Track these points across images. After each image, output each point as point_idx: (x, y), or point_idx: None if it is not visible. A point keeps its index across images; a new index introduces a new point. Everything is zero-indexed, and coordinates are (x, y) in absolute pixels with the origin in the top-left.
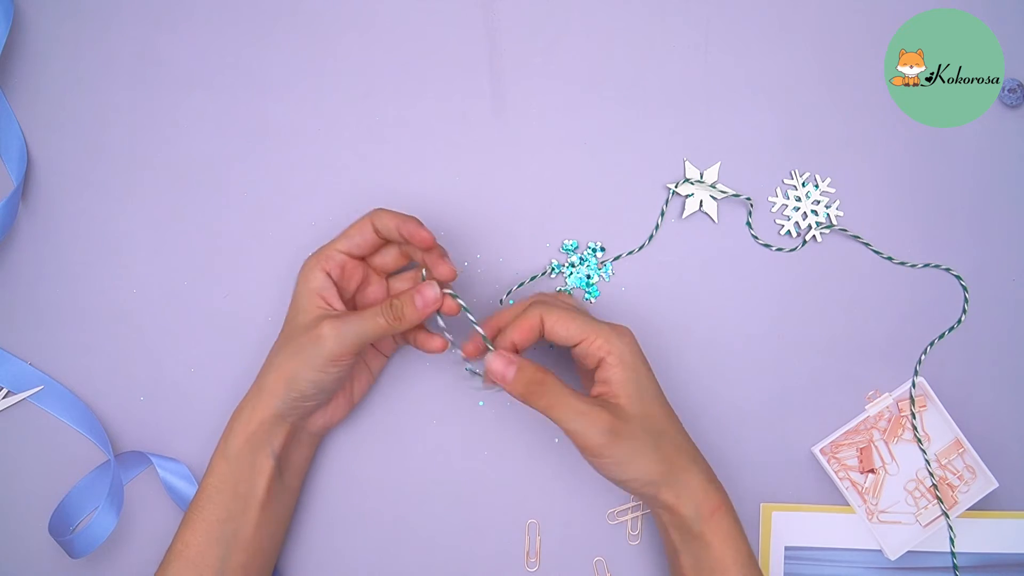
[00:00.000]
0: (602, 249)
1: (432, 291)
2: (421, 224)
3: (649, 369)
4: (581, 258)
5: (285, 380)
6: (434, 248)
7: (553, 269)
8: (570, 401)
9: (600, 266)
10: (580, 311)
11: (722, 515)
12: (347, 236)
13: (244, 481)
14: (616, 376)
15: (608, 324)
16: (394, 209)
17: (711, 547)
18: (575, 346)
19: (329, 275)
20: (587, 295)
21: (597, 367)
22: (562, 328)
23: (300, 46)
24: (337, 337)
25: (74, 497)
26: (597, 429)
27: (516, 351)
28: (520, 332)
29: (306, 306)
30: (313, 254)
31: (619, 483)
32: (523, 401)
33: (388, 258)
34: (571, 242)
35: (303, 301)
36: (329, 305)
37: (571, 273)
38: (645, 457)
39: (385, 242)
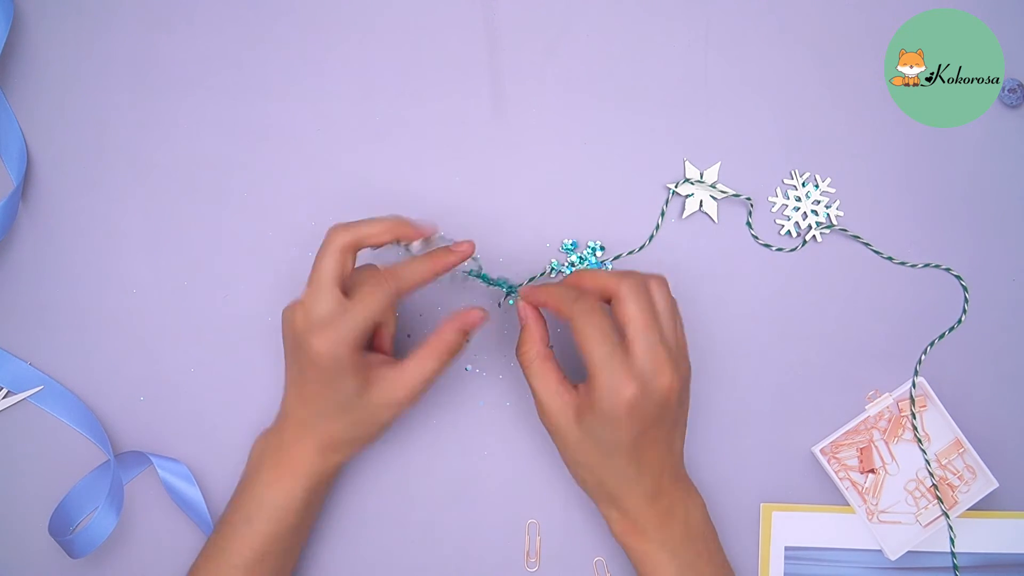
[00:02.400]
0: (601, 248)
1: (479, 316)
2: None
3: (622, 431)
4: (580, 257)
5: (339, 443)
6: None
7: (553, 269)
8: (549, 378)
9: (600, 265)
10: (597, 340)
11: (639, 539)
12: (368, 312)
13: (308, 523)
14: (585, 407)
15: (617, 370)
16: (392, 212)
17: (635, 565)
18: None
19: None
20: None
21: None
22: (580, 340)
23: (300, 46)
24: (404, 391)
25: (74, 497)
26: (563, 405)
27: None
28: (551, 303)
29: (352, 373)
30: (327, 326)
31: (574, 475)
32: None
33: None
34: (570, 242)
35: (348, 372)
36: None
37: (571, 272)
38: (575, 470)
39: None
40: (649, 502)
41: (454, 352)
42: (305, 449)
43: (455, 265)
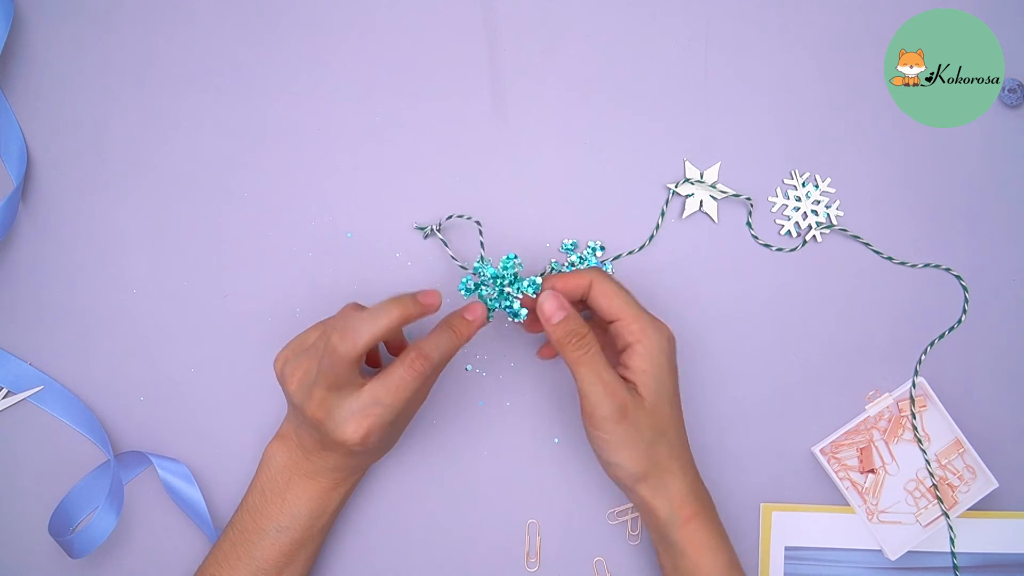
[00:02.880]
0: (602, 248)
1: (479, 307)
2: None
3: (674, 372)
4: (581, 257)
5: (371, 460)
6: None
7: (552, 268)
8: (599, 365)
9: (600, 265)
10: (629, 293)
11: (699, 524)
12: (399, 390)
13: (323, 526)
14: (638, 365)
15: (650, 315)
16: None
17: (686, 554)
18: (612, 322)
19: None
20: None
21: (624, 350)
22: (605, 299)
23: (300, 46)
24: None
25: (74, 497)
26: (610, 402)
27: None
28: (567, 284)
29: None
30: (348, 400)
31: (604, 464)
32: (557, 347)
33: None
34: (570, 242)
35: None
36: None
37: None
38: (637, 448)
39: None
40: (696, 475)
41: (439, 361)
42: (337, 467)
43: (475, 332)
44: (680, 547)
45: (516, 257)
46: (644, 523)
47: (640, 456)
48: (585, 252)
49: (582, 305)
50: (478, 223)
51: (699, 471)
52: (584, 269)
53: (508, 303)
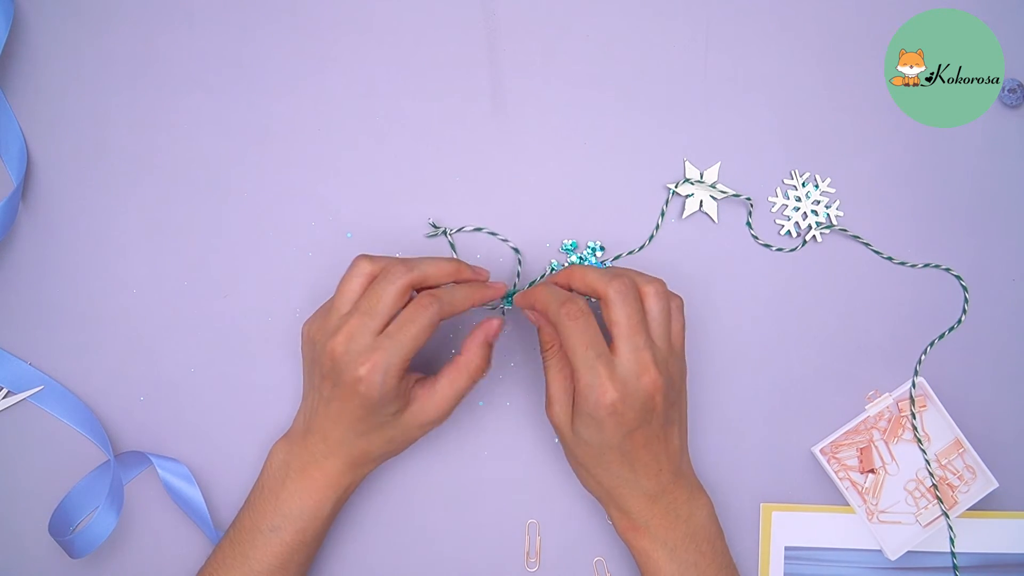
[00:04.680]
0: (601, 248)
1: (499, 325)
2: (466, 265)
3: (606, 431)
4: (580, 258)
5: (370, 459)
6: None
7: (552, 269)
8: (553, 379)
9: (600, 265)
10: (623, 329)
11: (640, 535)
12: (414, 340)
13: (316, 531)
14: (574, 410)
15: (604, 371)
16: (376, 252)
17: (635, 560)
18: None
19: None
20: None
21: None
22: (563, 343)
23: (300, 46)
24: (438, 411)
25: (74, 497)
26: (554, 417)
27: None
28: (538, 305)
29: (393, 399)
30: (373, 351)
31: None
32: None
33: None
34: (570, 242)
35: (389, 398)
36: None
37: (562, 270)
38: (575, 468)
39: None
40: (649, 501)
41: (482, 368)
42: (336, 464)
43: (492, 299)
44: (631, 551)
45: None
46: None
47: (578, 471)
48: (585, 252)
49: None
50: (513, 246)
51: (699, 471)
52: (562, 303)
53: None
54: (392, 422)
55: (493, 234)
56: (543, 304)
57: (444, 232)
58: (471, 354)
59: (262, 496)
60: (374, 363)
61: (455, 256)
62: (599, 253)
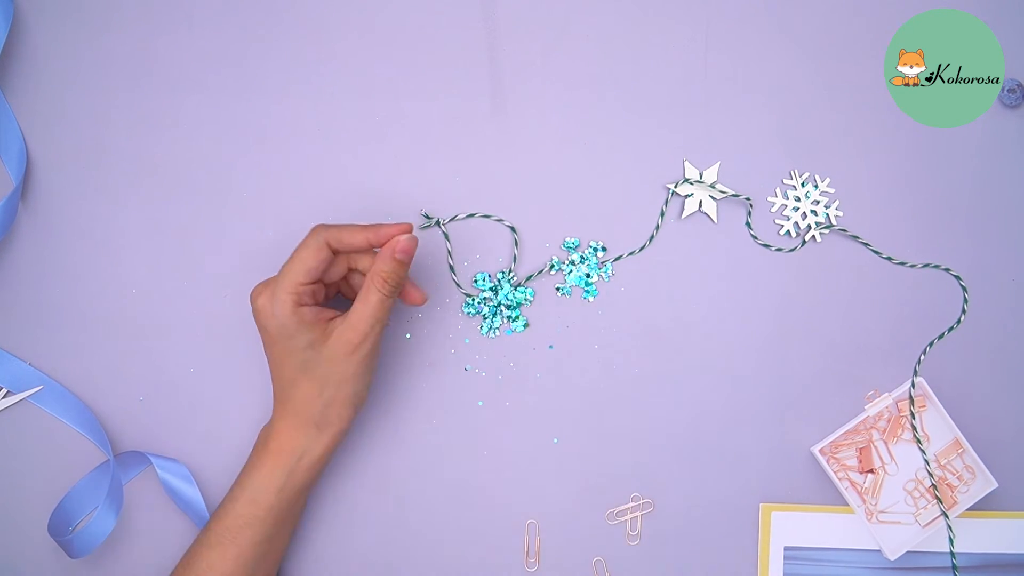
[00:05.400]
0: (603, 249)
1: (406, 240)
2: (380, 227)
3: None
4: (582, 257)
5: (314, 412)
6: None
7: (553, 266)
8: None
9: (600, 266)
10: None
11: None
12: (299, 262)
13: (291, 510)
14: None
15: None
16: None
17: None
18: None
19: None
20: (585, 293)
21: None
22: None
23: (300, 46)
24: (354, 332)
25: (74, 497)
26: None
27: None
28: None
29: (296, 329)
30: (267, 285)
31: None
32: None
33: (335, 273)
34: (573, 240)
35: (292, 329)
36: (317, 319)
37: (570, 271)
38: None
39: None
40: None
41: (393, 281)
42: (288, 428)
43: (388, 235)
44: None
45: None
46: None
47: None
48: (586, 251)
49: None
50: (508, 225)
51: (699, 471)
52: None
53: (513, 315)
54: (315, 358)
55: (487, 216)
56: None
57: (437, 223)
58: (377, 267)
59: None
60: (266, 293)
61: (448, 248)
62: (600, 253)
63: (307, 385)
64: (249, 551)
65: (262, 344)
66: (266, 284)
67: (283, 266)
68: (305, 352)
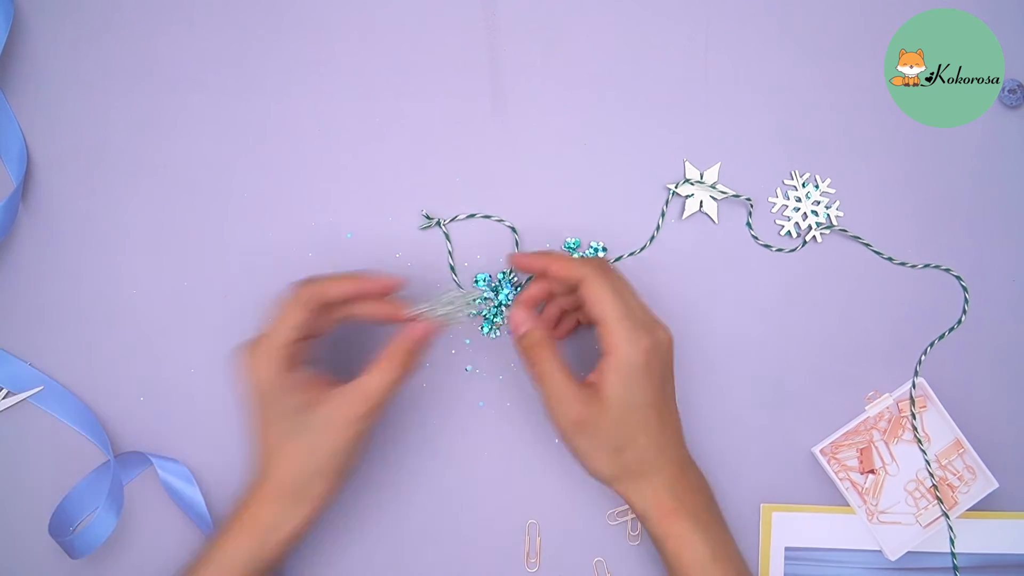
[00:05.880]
0: (604, 249)
1: (428, 331)
2: (367, 276)
3: (652, 379)
4: (583, 256)
5: (303, 487)
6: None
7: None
8: (553, 380)
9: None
10: (618, 297)
11: (676, 519)
12: (286, 320)
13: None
14: (607, 375)
15: (630, 323)
16: (335, 275)
17: (665, 547)
18: (595, 324)
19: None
20: None
21: (602, 355)
22: (590, 303)
23: (300, 46)
24: (369, 409)
25: (74, 497)
26: (565, 416)
27: (549, 296)
28: (559, 270)
29: (288, 390)
30: (253, 344)
31: (577, 461)
32: (522, 359)
33: (326, 324)
34: (573, 240)
35: (283, 389)
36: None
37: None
38: (600, 454)
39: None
40: (680, 473)
41: (410, 366)
42: (263, 498)
43: (371, 289)
44: (660, 542)
45: (512, 275)
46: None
47: (604, 462)
48: (587, 252)
49: (568, 294)
50: (509, 225)
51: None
52: (583, 261)
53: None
54: (304, 424)
55: (487, 217)
56: (563, 266)
57: (438, 223)
58: (400, 347)
59: (206, 545)
60: (253, 352)
61: (449, 249)
62: (601, 254)
63: (292, 452)
64: None
65: (248, 407)
66: (253, 343)
67: (269, 323)
68: (295, 416)
